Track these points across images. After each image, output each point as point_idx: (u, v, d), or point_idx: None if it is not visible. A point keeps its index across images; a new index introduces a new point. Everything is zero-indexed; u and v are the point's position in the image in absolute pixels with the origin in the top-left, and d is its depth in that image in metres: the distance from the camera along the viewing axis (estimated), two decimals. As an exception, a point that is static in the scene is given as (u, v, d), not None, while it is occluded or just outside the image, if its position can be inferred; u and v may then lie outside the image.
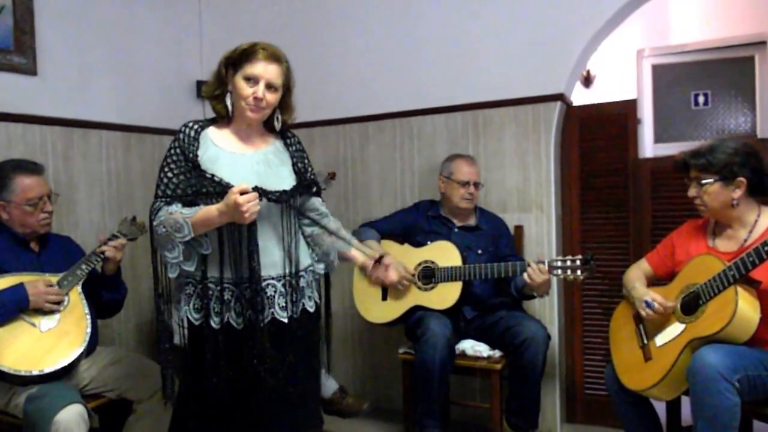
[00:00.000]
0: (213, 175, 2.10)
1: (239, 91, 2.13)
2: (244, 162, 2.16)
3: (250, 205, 1.99)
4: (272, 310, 2.14)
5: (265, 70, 2.12)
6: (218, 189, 2.06)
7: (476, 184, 3.17)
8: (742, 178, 2.35)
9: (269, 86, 2.13)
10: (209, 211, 2.03)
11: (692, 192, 2.46)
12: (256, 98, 2.11)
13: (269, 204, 2.11)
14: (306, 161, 2.32)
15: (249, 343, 2.09)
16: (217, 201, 2.03)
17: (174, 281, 2.20)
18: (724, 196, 2.37)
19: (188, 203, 2.09)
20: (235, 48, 2.16)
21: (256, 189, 2.05)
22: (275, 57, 2.15)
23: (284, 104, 2.25)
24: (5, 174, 2.52)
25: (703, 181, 2.39)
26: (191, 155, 2.13)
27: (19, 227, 2.54)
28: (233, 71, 2.16)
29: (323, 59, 3.83)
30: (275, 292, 2.15)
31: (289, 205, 2.16)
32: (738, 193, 2.36)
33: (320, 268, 2.32)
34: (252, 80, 2.12)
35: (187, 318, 2.15)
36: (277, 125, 2.25)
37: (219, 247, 2.09)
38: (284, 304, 2.16)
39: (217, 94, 2.21)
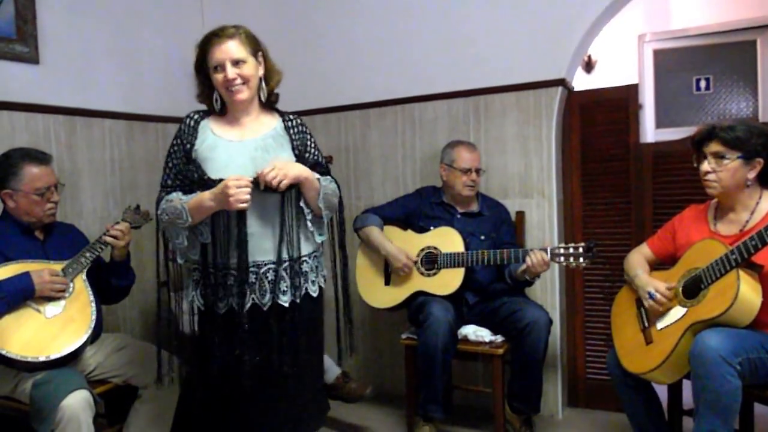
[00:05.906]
0: (198, 168, 2.13)
1: (216, 83, 2.17)
2: (242, 149, 2.18)
3: (238, 191, 2.00)
4: (273, 294, 2.15)
5: (221, 51, 2.14)
6: (201, 181, 2.11)
7: (478, 171, 3.17)
8: (760, 159, 2.34)
9: (235, 63, 2.14)
10: (202, 196, 2.07)
11: (707, 166, 2.40)
12: (227, 80, 2.13)
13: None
14: (308, 142, 2.31)
15: (248, 326, 2.12)
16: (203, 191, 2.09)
17: (184, 269, 2.23)
18: (740, 174, 2.35)
19: (188, 192, 2.13)
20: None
21: (255, 180, 2.06)
22: (226, 34, 2.16)
23: (266, 70, 2.26)
24: (14, 162, 2.52)
25: (727, 156, 2.36)
26: (188, 146, 2.17)
27: (24, 216, 2.55)
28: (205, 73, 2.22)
29: (325, 46, 3.83)
30: (276, 276, 2.16)
31: (290, 189, 2.16)
32: (753, 174, 2.35)
33: (320, 238, 2.31)
34: (219, 67, 2.15)
35: (195, 304, 2.19)
36: (263, 95, 2.26)
37: (214, 234, 2.12)
38: (285, 289, 2.17)
39: (205, 95, 2.26)
